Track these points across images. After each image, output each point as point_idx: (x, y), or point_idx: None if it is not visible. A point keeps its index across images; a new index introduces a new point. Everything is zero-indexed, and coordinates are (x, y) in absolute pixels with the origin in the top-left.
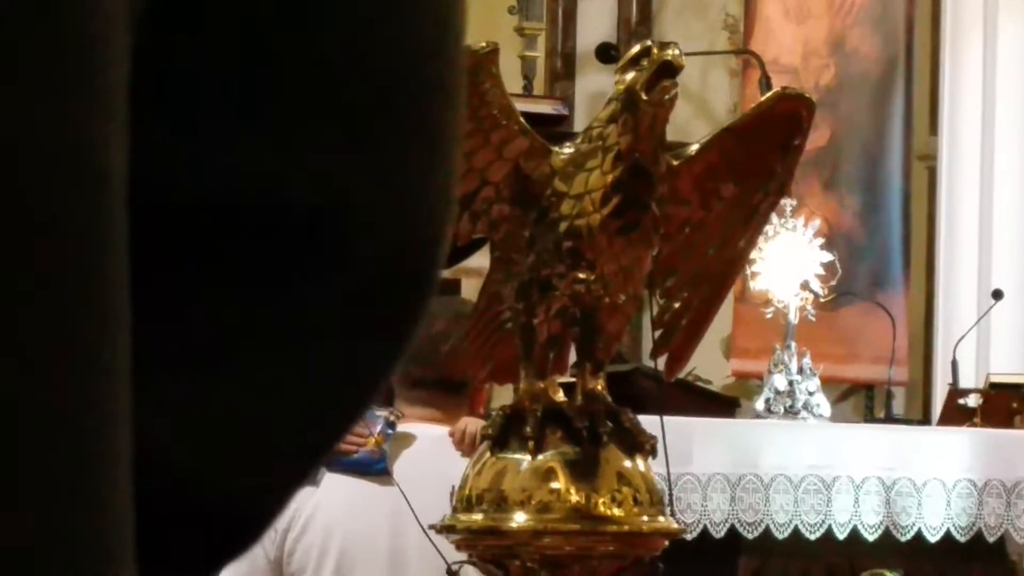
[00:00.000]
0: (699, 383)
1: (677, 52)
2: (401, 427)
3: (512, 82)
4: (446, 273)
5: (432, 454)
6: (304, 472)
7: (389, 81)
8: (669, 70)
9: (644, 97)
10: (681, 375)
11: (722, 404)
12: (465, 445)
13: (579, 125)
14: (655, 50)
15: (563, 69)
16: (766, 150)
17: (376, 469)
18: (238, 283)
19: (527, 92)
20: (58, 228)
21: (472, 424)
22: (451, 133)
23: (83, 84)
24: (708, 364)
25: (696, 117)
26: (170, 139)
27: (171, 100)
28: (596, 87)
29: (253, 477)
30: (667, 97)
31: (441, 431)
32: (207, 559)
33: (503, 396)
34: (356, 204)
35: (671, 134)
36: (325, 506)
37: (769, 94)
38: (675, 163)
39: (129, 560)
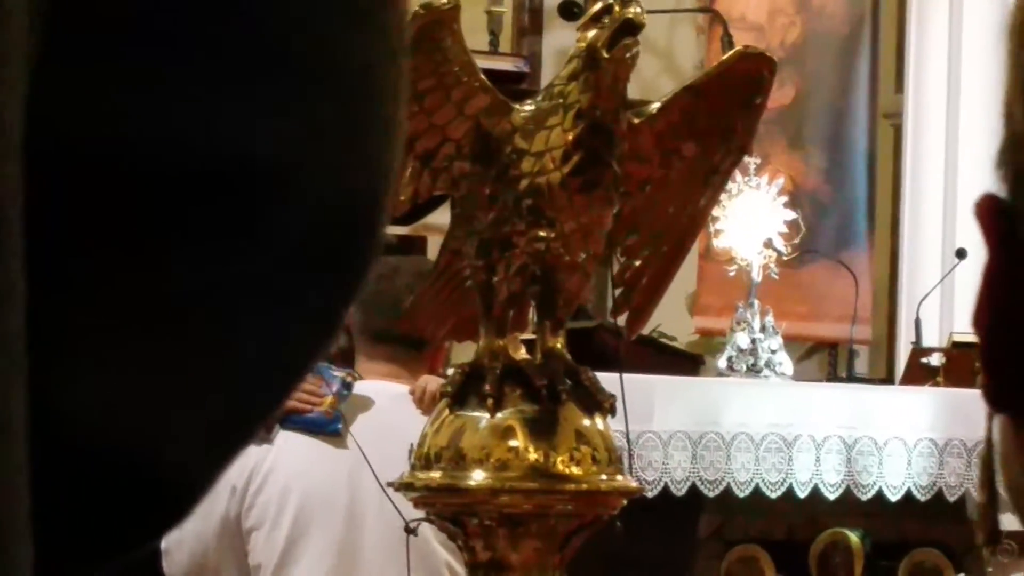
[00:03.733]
0: (664, 340)
1: (639, 10)
2: (360, 386)
3: (479, 37)
4: (409, 230)
5: (391, 412)
6: (236, 442)
7: (322, 40)
8: (630, 28)
9: (605, 55)
10: (646, 332)
11: (686, 361)
12: (426, 403)
13: (546, 81)
14: (616, 8)
15: (530, 24)
16: (727, 109)
17: (330, 430)
18: (160, 246)
19: (493, 47)
20: None
21: (433, 382)
22: (391, 96)
23: None
24: (673, 321)
25: (663, 73)
26: (83, 97)
27: (85, 56)
28: (564, 43)
29: (178, 448)
30: (628, 55)
31: (401, 389)
32: (136, 531)
33: (463, 355)
34: (287, 166)
35: (638, 90)
36: (282, 463)
37: (731, 52)
38: (636, 121)
39: (25, 534)
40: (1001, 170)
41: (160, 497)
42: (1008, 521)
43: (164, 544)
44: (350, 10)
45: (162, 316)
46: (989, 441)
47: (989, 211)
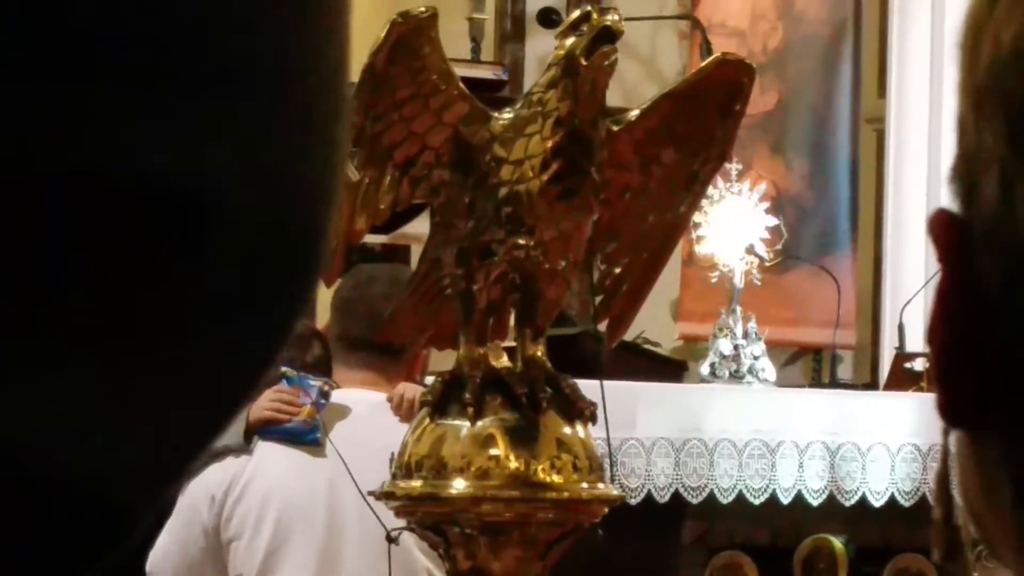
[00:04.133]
0: (648, 346)
1: (616, 18)
2: (337, 395)
3: (461, 45)
4: (391, 239)
5: (370, 420)
6: (180, 465)
7: (255, 59)
8: (609, 36)
9: (583, 63)
10: (630, 338)
11: (670, 367)
12: (403, 411)
13: (528, 88)
14: (595, 15)
15: (512, 32)
16: (706, 116)
17: (308, 439)
18: (92, 269)
19: (475, 55)
20: None
21: (410, 390)
22: (332, 114)
23: None
24: (657, 327)
25: (646, 80)
26: (30, 117)
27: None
28: (546, 50)
29: (118, 472)
30: (606, 63)
31: (379, 396)
32: (79, 555)
33: (439, 362)
34: (218, 187)
35: (620, 97)
36: (261, 473)
37: (709, 59)
38: (615, 128)
39: None
40: (954, 185)
41: (102, 523)
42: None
43: (148, 567)
44: (284, 34)
45: (95, 339)
46: (945, 458)
47: (942, 226)
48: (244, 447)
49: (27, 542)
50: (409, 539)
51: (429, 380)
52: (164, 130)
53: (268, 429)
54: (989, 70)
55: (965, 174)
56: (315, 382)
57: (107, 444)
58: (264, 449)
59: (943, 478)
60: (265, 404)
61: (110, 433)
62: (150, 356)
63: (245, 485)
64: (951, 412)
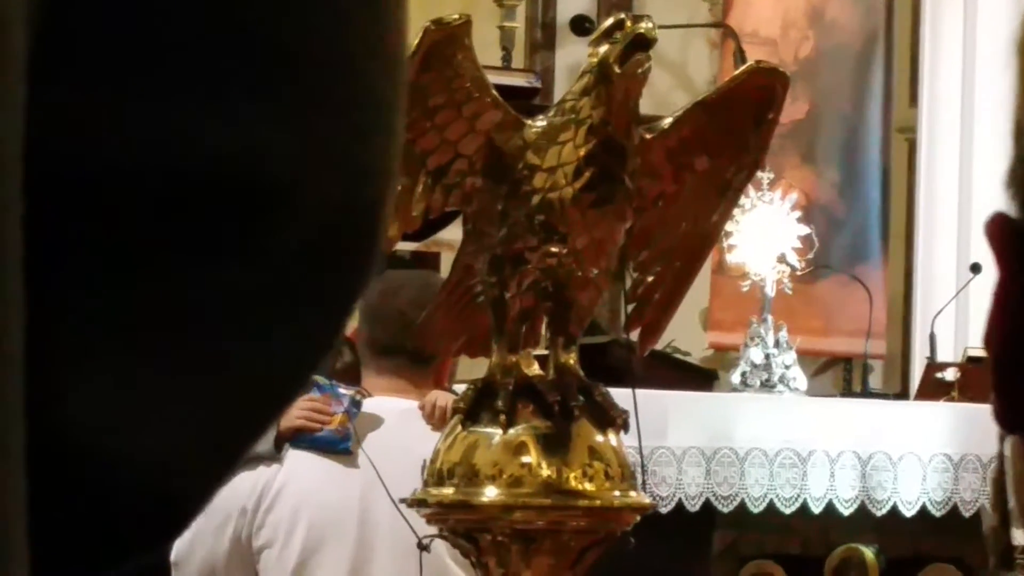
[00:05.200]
0: (678, 355)
1: (650, 25)
2: (368, 403)
3: (491, 53)
4: (422, 246)
5: (401, 428)
6: (232, 456)
7: (320, 45)
8: (642, 43)
9: (617, 70)
10: (660, 347)
11: (700, 376)
12: (435, 419)
13: (559, 97)
14: (628, 23)
15: (543, 40)
16: (739, 124)
17: (340, 448)
18: (156, 260)
19: (506, 63)
20: None
21: (442, 398)
22: (389, 102)
23: None
24: (687, 336)
25: (676, 89)
26: (73, 105)
27: (73, 61)
28: (576, 58)
29: (176, 460)
30: (640, 70)
31: (409, 404)
32: (133, 544)
33: (467, 369)
34: (283, 174)
35: (651, 106)
36: (293, 482)
37: (743, 68)
38: (648, 136)
39: (22, 558)
40: (1011, 189)
41: (158, 510)
42: (1022, 536)
43: (174, 558)
44: (347, 20)
45: (159, 330)
46: (1001, 462)
47: (1000, 230)
48: (275, 455)
49: (86, 525)
50: (441, 548)
51: (458, 387)
52: (230, 117)
53: (300, 438)
54: None
55: (1023, 178)
56: (346, 391)
57: (167, 427)
58: (295, 458)
59: (999, 484)
60: (296, 412)
61: (171, 417)
62: (220, 338)
63: (276, 494)
64: (1007, 416)
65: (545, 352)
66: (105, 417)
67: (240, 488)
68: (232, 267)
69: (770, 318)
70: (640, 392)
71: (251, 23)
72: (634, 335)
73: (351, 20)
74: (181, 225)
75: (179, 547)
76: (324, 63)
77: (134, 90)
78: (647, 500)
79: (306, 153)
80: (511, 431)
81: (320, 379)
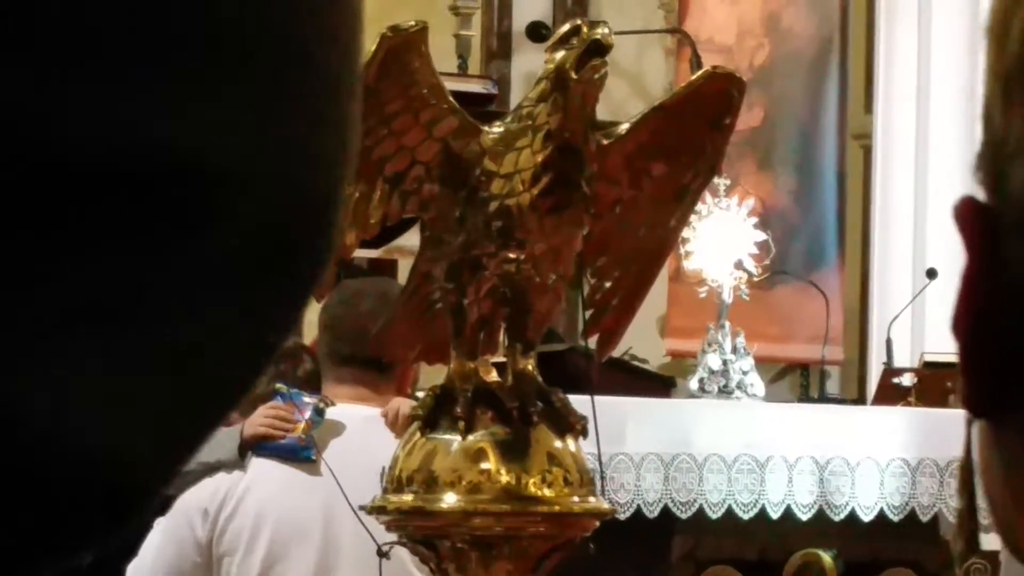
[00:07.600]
0: (636, 362)
1: (606, 31)
2: (331, 411)
3: (448, 63)
4: (379, 253)
5: (364, 435)
6: (188, 445)
7: (274, 30)
8: (598, 49)
9: (573, 76)
10: (618, 354)
11: (659, 383)
12: (398, 426)
13: (515, 103)
14: (584, 29)
15: (499, 48)
16: (696, 129)
17: (303, 456)
18: (104, 245)
19: (462, 71)
20: None
21: (404, 404)
22: (345, 90)
23: None
24: (645, 343)
25: (632, 97)
26: (24, 91)
27: (24, 47)
28: (532, 66)
29: (127, 450)
30: (596, 76)
31: (371, 411)
32: (86, 534)
33: (431, 376)
34: (234, 160)
35: (607, 113)
36: (256, 489)
37: (699, 73)
38: (605, 142)
39: None
40: (979, 174)
41: (107, 500)
42: (983, 541)
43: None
44: (302, 5)
45: (107, 316)
46: (968, 448)
47: (969, 214)
48: (238, 463)
49: (38, 513)
50: (405, 555)
51: (420, 394)
52: (179, 102)
53: (263, 446)
54: (1018, 56)
55: (992, 162)
56: (309, 399)
57: (118, 415)
58: (258, 465)
59: (967, 469)
60: (259, 420)
61: (124, 402)
62: (171, 322)
63: (239, 501)
64: (975, 401)
65: (503, 359)
66: (51, 403)
67: (202, 494)
68: (182, 253)
69: (727, 324)
70: (599, 399)
71: (203, 6)
72: (592, 341)
73: (306, 5)
74: (128, 211)
75: (136, 562)
76: (277, 48)
77: (79, 75)
78: (606, 506)
79: (257, 138)
80: (470, 437)
81: (283, 387)
